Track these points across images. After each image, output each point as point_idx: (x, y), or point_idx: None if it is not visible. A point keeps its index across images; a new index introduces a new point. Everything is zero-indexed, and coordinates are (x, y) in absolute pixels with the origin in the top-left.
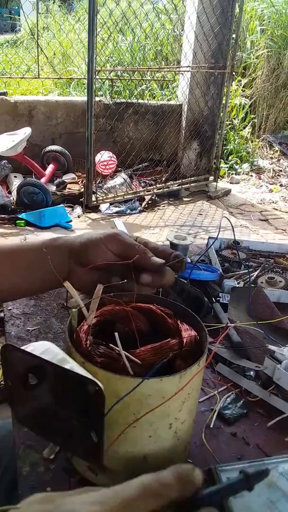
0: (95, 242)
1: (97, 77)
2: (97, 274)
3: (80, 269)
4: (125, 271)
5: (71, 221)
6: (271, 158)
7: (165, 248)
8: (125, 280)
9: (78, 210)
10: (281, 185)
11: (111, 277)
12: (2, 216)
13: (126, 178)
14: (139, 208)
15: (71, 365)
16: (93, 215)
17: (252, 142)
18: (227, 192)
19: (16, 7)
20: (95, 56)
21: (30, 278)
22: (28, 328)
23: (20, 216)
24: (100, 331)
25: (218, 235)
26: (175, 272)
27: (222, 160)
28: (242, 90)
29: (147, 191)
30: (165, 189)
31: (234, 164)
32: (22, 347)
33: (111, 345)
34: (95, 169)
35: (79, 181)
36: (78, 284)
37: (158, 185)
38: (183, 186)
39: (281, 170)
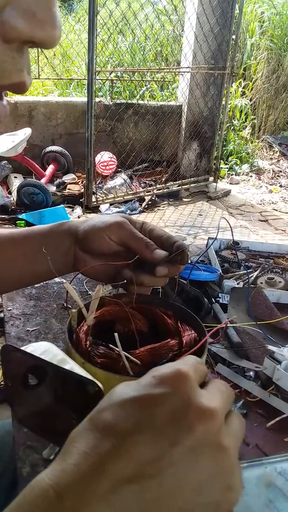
0: (97, 231)
1: (97, 77)
2: (103, 263)
3: (86, 255)
4: (130, 260)
5: None
6: (271, 159)
7: (170, 237)
8: (125, 281)
9: (78, 210)
10: (280, 186)
11: (117, 265)
12: (2, 216)
13: (126, 178)
14: (139, 208)
15: (71, 365)
16: (93, 216)
17: (252, 143)
18: (227, 193)
19: None
20: (95, 56)
21: (39, 265)
22: (28, 328)
23: (20, 216)
24: (100, 332)
25: (217, 235)
26: (179, 264)
27: (222, 161)
28: (242, 91)
29: (147, 192)
30: (165, 190)
31: (234, 165)
32: (22, 348)
33: (110, 345)
34: (95, 170)
35: (79, 181)
36: (86, 271)
37: (158, 186)
38: (183, 186)
39: (280, 171)
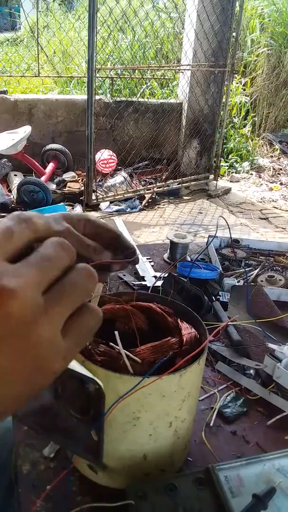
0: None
1: (97, 75)
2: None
3: None
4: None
5: None
6: (271, 156)
7: (111, 228)
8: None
9: (78, 208)
10: (281, 184)
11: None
12: (2, 214)
13: (126, 176)
14: (139, 206)
15: (71, 363)
16: (94, 214)
17: (252, 140)
18: (227, 191)
19: (16, 5)
20: (95, 54)
21: None
22: None
23: None
24: (100, 330)
25: (216, 233)
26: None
27: (222, 159)
28: (242, 88)
29: (147, 190)
30: (165, 188)
31: (234, 163)
32: None
33: (111, 343)
34: (95, 168)
35: (79, 179)
36: None
37: (158, 184)
38: (183, 184)
39: (281, 169)
